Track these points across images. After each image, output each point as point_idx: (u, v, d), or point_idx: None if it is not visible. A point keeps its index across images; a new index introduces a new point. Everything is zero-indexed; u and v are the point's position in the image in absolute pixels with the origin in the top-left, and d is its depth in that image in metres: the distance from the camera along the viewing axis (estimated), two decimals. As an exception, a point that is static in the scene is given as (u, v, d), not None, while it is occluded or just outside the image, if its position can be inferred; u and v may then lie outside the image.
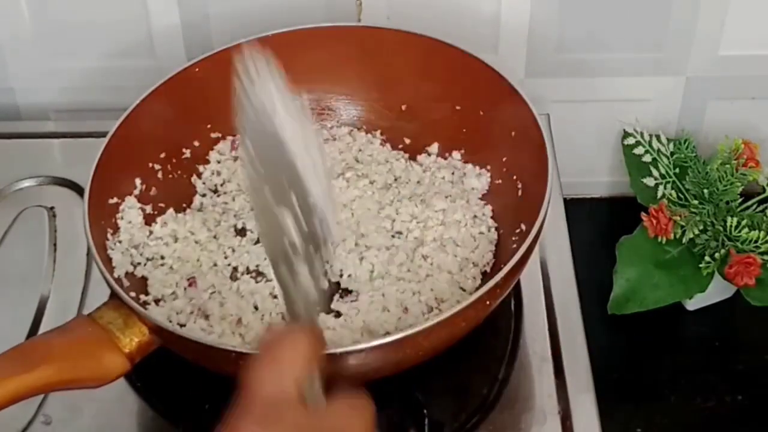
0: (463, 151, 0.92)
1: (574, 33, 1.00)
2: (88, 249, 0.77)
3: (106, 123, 0.93)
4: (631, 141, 1.00)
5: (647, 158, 1.00)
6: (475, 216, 0.87)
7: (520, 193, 0.85)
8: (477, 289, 0.79)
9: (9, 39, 1.02)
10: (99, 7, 1.00)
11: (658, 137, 1.00)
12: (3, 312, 0.87)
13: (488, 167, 0.90)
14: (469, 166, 0.91)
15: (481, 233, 0.86)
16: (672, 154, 1.00)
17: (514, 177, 0.86)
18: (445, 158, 0.92)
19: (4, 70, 1.04)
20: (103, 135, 0.84)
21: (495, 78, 0.86)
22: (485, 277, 0.83)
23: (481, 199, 0.89)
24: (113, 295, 0.74)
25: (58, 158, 1.02)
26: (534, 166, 0.81)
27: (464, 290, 0.82)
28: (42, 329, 0.84)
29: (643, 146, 1.00)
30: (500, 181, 0.89)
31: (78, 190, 0.96)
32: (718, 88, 1.03)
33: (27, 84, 1.05)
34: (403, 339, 0.69)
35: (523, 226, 0.81)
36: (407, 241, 0.85)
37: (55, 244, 0.92)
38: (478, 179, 0.90)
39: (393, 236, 0.86)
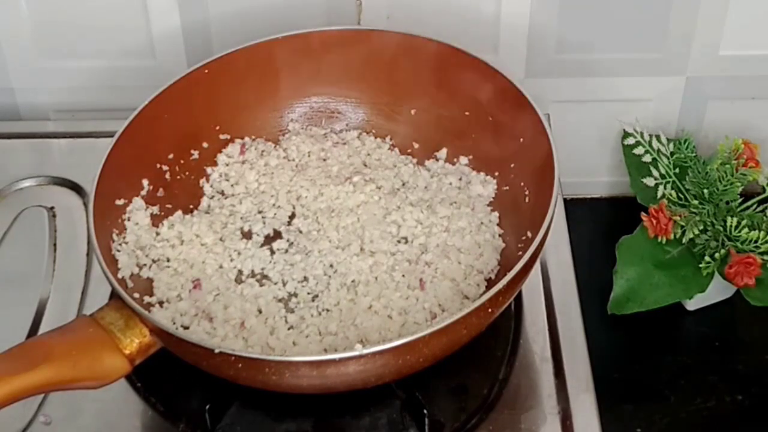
0: (471, 157, 0.92)
1: (574, 33, 1.00)
2: (90, 249, 0.77)
3: (106, 123, 0.94)
4: (631, 141, 1.00)
5: (647, 158, 1.00)
6: (482, 223, 0.87)
7: (527, 200, 0.85)
8: (480, 296, 0.79)
9: (9, 39, 1.02)
10: (99, 7, 1.00)
11: (658, 137, 1.00)
12: (3, 312, 0.87)
13: (496, 174, 0.90)
14: (474, 173, 0.91)
15: (486, 240, 0.86)
16: (672, 154, 1.00)
17: (522, 184, 0.86)
18: (453, 164, 0.93)
19: (4, 70, 1.04)
20: (103, 135, 0.85)
21: (505, 84, 0.86)
22: (490, 284, 0.83)
23: (488, 205, 0.89)
24: (115, 296, 0.74)
25: (58, 158, 1.01)
26: (541, 173, 0.81)
27: (468, 298, 0.82)
28: (42, 329, 0.84)
29: (643, 146, 1.00)
30: (507, 187, 0.89)
31: (78, 190, 0.96)
32: (718, 88, 1.03)
33: (27, 84, 1.05)
34: (403, 345, 0.69)
35: (529, 234, 0.81)
36: (412, 247, 0.85)
37: (55, 244, 0.92)
38: (484, 186, 0.90)
39: (398, 242, 0.86)
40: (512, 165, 0.88)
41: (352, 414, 0.78)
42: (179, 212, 0.89)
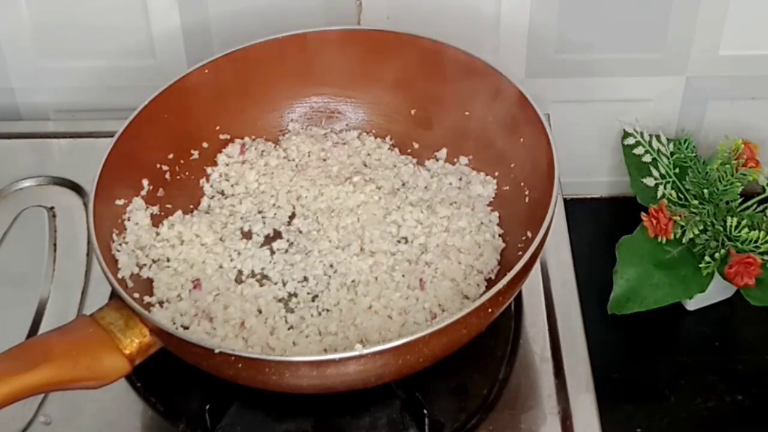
0: (471, 157, 0.92)
1: (574, 33, 1.00)
2: (90, 249, 0.77)
3: (106, 123, 0.94)
4: (631, 141, 1.00)
5: (647, 158, 1.00)
6: (482, 223, 0.87)
7: (527, 200, 0.85)
8: (480, 296, 0.79)
9: (9, 39, 1.02)
10: (99, 7, 1.00)
11: (658, 137, 1.00)
12: (3, 312, 0.87)
13: (496, 174, 0.90)
14: (474, 173, 0.91)
15: (486, 240, 0.86)
16: (672, 154, 1.00)
17: (522, 184, 0.86)
18: (453, 164, 0.92)
19: (4, 70, 1.04)
20: (103, 135, 0.85)
21: (505, 85, 0.86)
22: (490, 284, 0.83)
23: (488, 205, 0.89)
24: (115, 296, 0.74)
25: (58, 158, 1.01)
26: (541, 173, 0.81)
27: (468, 298, 0.82)
28: (42, 329, 0.84)
29: (643, 146, 1.00)
30: (508, 187, 0.89)
31: (78, 190, 0.96)
32: (718, 88, 1.03)
33: (27, 84, 1.05)
34: (403, 345, 0.69)
35: (529, 234, 0.81)
36: (412, 247, 0.85)
37: (55, 244, 0.92)
38: (484, 186, 0.90)
39: (398, 242, 0.86)
40: (512, 165, 0.88)
41: (352, 414, 0.78)
42: (179, 212, 0.89)
